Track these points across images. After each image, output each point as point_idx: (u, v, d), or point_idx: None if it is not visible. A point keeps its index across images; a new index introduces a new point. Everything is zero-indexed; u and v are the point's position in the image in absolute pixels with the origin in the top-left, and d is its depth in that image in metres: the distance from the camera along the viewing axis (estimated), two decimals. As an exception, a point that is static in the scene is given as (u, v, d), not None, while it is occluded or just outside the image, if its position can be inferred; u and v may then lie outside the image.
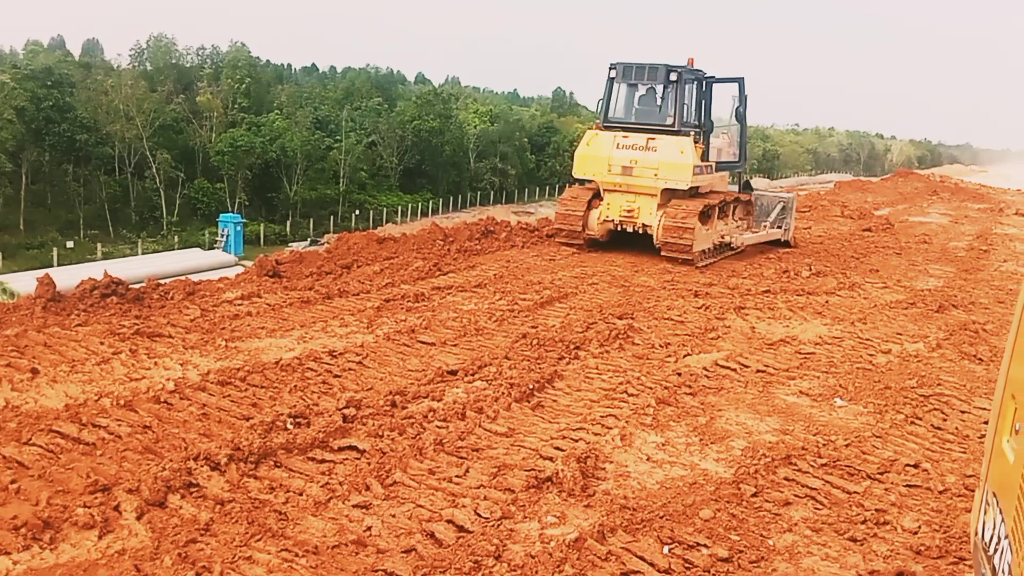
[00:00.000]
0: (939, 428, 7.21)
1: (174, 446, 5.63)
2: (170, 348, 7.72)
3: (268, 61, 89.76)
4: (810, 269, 14.10)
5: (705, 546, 4.90)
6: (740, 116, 16.05)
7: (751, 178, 16.98)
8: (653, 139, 14.37)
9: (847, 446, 6.61)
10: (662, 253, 14.31)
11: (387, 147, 68.17)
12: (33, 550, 4.36)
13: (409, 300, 10.17)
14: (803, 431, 6.88)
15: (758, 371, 8.45)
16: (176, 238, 50.92)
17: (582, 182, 15.71)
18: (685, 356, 8.77)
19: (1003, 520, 2.25)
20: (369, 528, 4.77)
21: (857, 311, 11.42)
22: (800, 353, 9.20)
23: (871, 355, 9.33)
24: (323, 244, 35.98)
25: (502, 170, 77.80)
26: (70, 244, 45.64)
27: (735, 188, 16.54)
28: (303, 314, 9.32)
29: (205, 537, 4.56)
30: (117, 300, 8.90)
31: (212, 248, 45.00)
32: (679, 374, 8.10)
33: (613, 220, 14.91)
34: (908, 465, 6.30)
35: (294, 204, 59.56)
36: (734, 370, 8.44)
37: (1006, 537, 2.20)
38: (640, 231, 14.73)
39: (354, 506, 5.01)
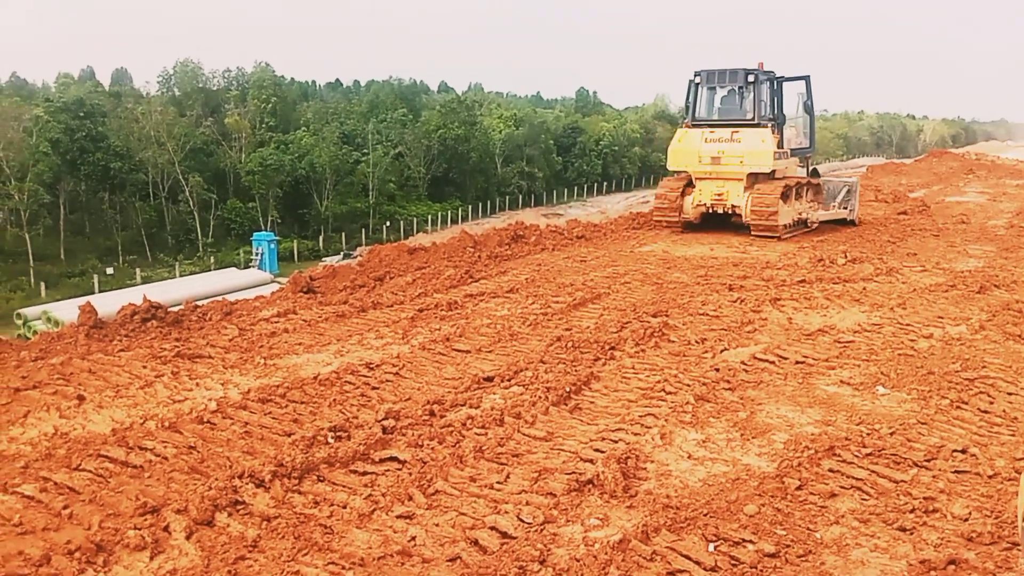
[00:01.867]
0: (986, 411, 7.07)
1: (219, 465, 5.72)
2: (210, 368, 7.84)
3: (293, 79, 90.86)
4: (846, 256, 13.92)
5: (751, 542, 4.86)
6: (808, 108, 18.42)
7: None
8: (736, 132, 16.82)
9: (892, 434, 6.51)
10: (751, 229, 16.71)
11: (414, 157, 68.57)
12: (88, 574, 4.45)
13: (442, 309, 10.23)
14: (846, 421, 6.79)
15: (797, 363, 8.36)
16: (212, 259, 51.62)
17: (675, 174, 18.11)
18: (722, 351, 8.70)
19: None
20: (413, 538, 4.80)
21: (896, 296, 11.25)
22: (839, 342, 9.08)
23: (912, 340, 9.18)
24: (356, 257, 36.27)
25: (529, 173, 77.84)
26: (110, 270, 46.49)
27: (804, 173, 18.70)
28: (339, 328, 9.41)
29: (253, 554, 4.63)
30: (157, 324, 9.07)
31: (247, 267, 45.53)
32: (717, 369, 8.04)
33: (705, 204, 17.31)
34: (955, 451, 6.19)
35: (325, 219, 60.11)
36: (772, 363, 8.36)
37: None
38: (729, 212, 17.10)
39: (397, 517, 5.05)
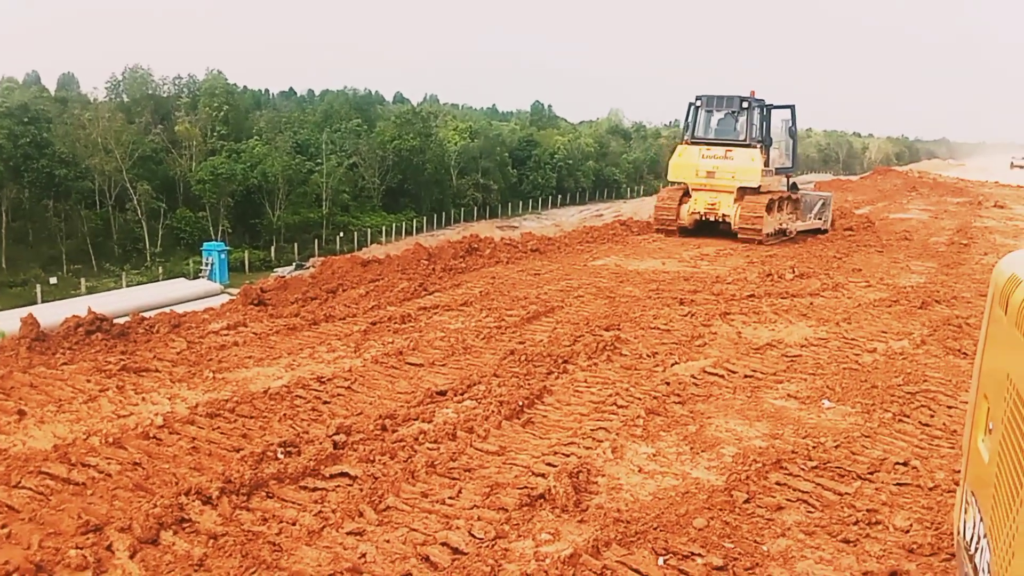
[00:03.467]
0: (927, 424, 7.27)
1: (165, 482, 5.61)
2: (157, 383, 7.69)
3: (245, 87, 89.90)
4: (794, 271, 14.21)
5: (700, 555, 4.92)
6: (792, 133, 20.57)
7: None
8: (730, 151, 19.13)
9: (836, 447, 6.65)
10: (739, 235, 18.84)
11: (368, 168, 68.25)
12: (26, 595, 4.33)
13: (396, 322, 10.18)
14: (792, 434, 6.92)
15: (746, 376, 8.49)
16: (160, 269, 50.65)
17: (673, 184, 20.34)
18: (673, 365, 8.81)
19: (981, 519, 2.28)
20: (364, 555, 4.76)
21: (841, 311, 11.51)
22: (787, 356, 9.26)
23: (857, 355, 9.40)
24: (308, 268, 35.87)
25: (484, 186, 78.02)
26: (53, 280, 45.31)
27: (786, 188, 20.67)
28: (290, 341, 9.31)
29: (199, 572, 4.55)
30: (102, 336, 8.86)
31: (197, 277, 44.73)
32: (667, 383, 8.13)
33: (699, 212, 19.59)
34: (897, 463, 6.35)
35: (277, 229, 59.44)
36: (722, 376, 8.48)
37: (984, 536, 2.23)
38: (720, 220, 19.34)
39: (348, 533, 5.01)
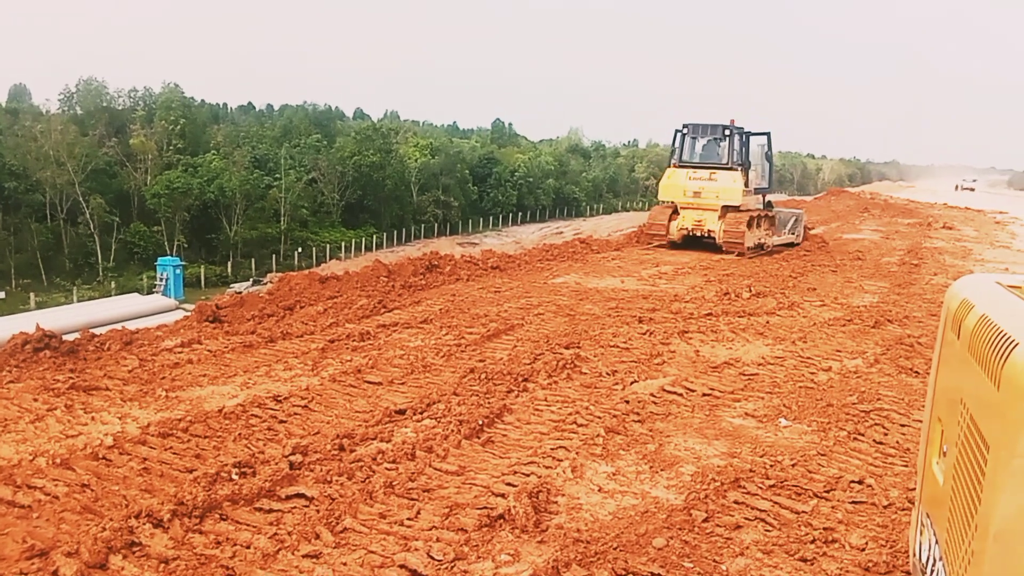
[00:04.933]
0: (881, 443, 7.38)
1: (115, 504, 5.45)
2: (107, 402, 7.49)
3: (203, 101, 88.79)
4: (750, 290, 14.39)
5: (659, 575, 4.91)
6: (768, 157, 22.91)
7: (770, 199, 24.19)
8: (714, 173, 21.26)
9: (793, 466, 6.71)
10: (723, 249, 20.78)
11: (328, 183, 67.79)
12: (-35, 624, 4.17)
13: (354, 339, 10.07)
14: (750, 453, 6.97)
15: (704, 395, 8.55)
16: (113, 284, 49.63)
17: (663, 203, 22.65)
18: (632, 383, 8.84)
19: (937, 541, 2.31)
20: (320, 578, 4.67)
21: (797, 330, 11.67)
22: (744, 375, 9.35)
23: (812, 373, 9.53)
24: (266, 284, 35.40)
25: (445, 202, 77.98)
26: (1, 295, 44.13)
27: (762, 206, 22.58)
28: (246, 359, 9.16)
29: (149, 599, 4.42)
30: (50, 354, 8.63)
31: (151, 293, 43.90)
32: (627, 401, 8.15)
33: (687, 228, 21.70)
34: (853, 482, 6.43)
35: (235, 244, 58.68)
36: (680, 395, 8.53)
37: (940, 559, 2.25)
38: (705, 235, 21.39)
39: (304, 556, 4.91)
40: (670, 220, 21.92)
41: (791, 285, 15.88)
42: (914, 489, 6.36)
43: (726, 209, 21.16)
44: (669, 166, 22.57)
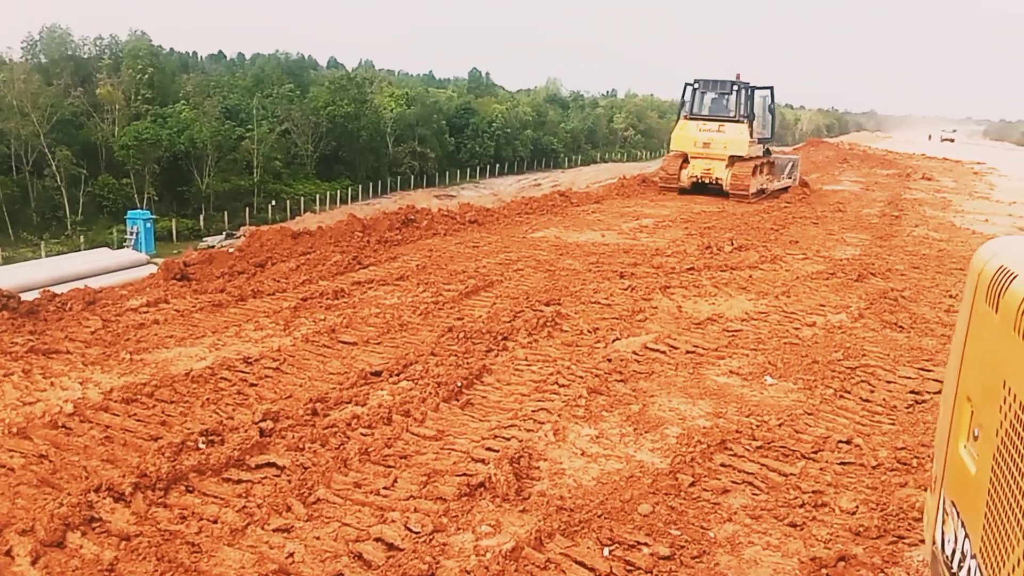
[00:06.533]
0: (867, 400, 7.25)
1: (74, 476, 5.18)
2: (68, 366, 7.16)
3: (172, 50, 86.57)
4: (732, 244, 14.18)
5: (646, 544, 4.73)
6: (771, 109, 24.92)
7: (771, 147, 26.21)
8: (723, 126, 23.21)
9: (780, 425, 6.56)
10: (730, 195, 22.49)
11: (301, 135, 66.38)
12: (-90, 610, 3.91)
13: (328, 297, 9.76)
14: (736, 413, 6.81)
15: (687, 352, 8.37)
16: (82, 238, 48.54)
17: (673, 152, 24.41)
18: (614, 341, 8.63)
19: (967, 536, 2.10)
20: (291, 554, 4.44)
21: (780, 284, 11.50)
22: (728, 331, 9.17)
23: (797, 329, 9.37)
24: (239, 237, 34.75)
25: (421, 154, 76.79)
26: (-34, 250, 43.11)
27: (764, 154, 24.68)
28: (215, 319, 8.83)
29: (109, 579, 4.17)
30: (8, 315, 8.25)
31: (121, 247, 43.01)
32: (609, 360, 7.94)
33: (696, 176, 23.43)
34: (841, 442, 6.28)
35: (207, 197, 57.48)
36: (664, 352, 8.34)
37: (973, 557, 2.04)
38: (713, 183, 23.07)
39: (274, 530, 4.67)
40: (680, 168, 23.59)
41: (773, 238, 15.70)
42: (903, 448, 6.24)
43: (733, 159, 22.88)
44: (679, 118, 24.47)
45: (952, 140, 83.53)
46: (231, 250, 12.44)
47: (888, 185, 29.63)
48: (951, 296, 11.18)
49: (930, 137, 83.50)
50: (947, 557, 2.25)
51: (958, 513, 2.18)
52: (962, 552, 2.12)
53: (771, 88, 24.48)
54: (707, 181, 23.25)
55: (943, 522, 2.33)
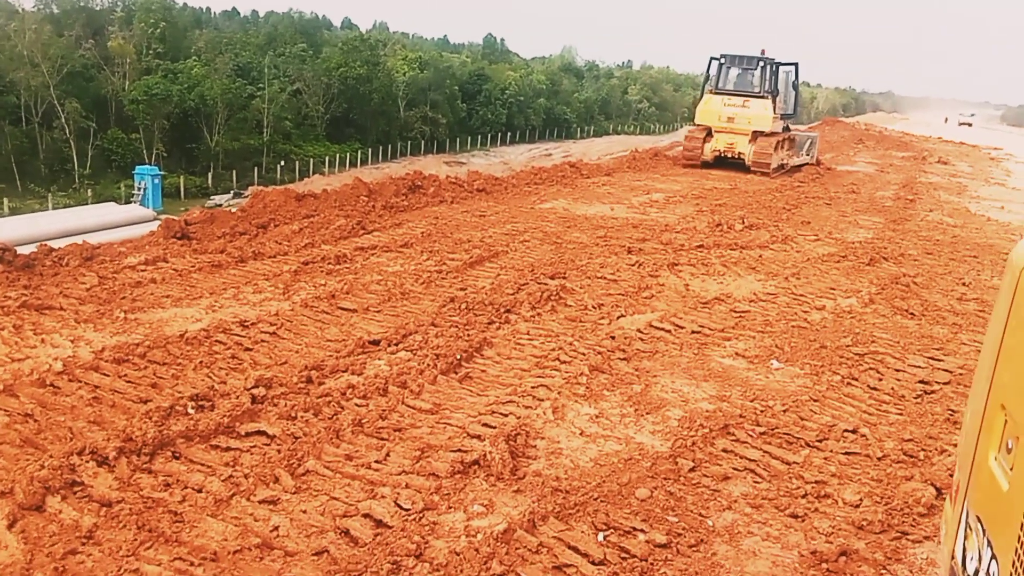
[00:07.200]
0: (875, 388, 7.07)
1: (58, 437, 5.06)
2: (60, 323, 7.03)
3: (185, 4, 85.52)
4: (743, 222, 13.94)
5: (642, 531, 4.60)
6: (795, 86, 24.81)
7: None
8: (747, 101, 23.38)
9: (785, 411, 6.40)
10: (752, 169, 22.77)
11: (312, 95, 65.81)
12: None
13: (330, 262, 9.59)
14: (740, 397, 6.65)
15: (693, 332, 8.19)
16: (89, 192, 48.34)
17: (699, 126, 24.36)
18: (619, 317, 8.45)
19: (994, 557, 1.93)
20: (276, 528, 4.31)
21: (790, 265, 11.28)
22: (735, 312, 8.98)
23: (805, 312, 9.18)
24: (248, 196, 34.52)
25: (433, 119, 76.06)
26: (-27, 199, 42.99)
27: (786, 131, 24.76)
28: (213, 280, 8.68)
29: (87, 547, 4.05)
30: (3, 268, 8.11)
31: (129, 202, 42.83)
32: (613, 337, 7.77)
33: (719, 150, 23.65)
34: (847, 431, 6.12)
35: (216, 155, 57.14)
36: (669, 331, 8.16)
37: (1001, 580, 1.87)
38: (736, 157, 23.32)
39: (260, 502, 4.54)
40: (704, 142, 23.68)
41: (785, 218, 15.43)
42: (910, 440, 6.08)
43: (756, 134, 23.06)
44: (702, 93, 24.66)
45: (970, 124, 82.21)
46: (233, 210, 12.26)
47: (903, 168, 29.20)
48: (964, 284, 10.95)
49: (947, 120, 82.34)
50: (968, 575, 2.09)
51: (984, 531, 2.02)
52: (987, 573, 1.96)
53: (796, 64, 24.53)
54: (730, 155, 23.48)
55: (965, 537, 2.17)
